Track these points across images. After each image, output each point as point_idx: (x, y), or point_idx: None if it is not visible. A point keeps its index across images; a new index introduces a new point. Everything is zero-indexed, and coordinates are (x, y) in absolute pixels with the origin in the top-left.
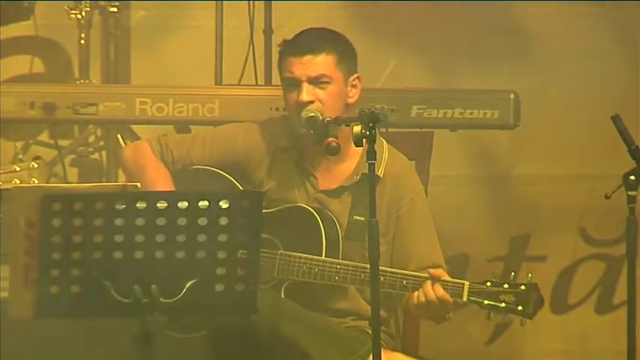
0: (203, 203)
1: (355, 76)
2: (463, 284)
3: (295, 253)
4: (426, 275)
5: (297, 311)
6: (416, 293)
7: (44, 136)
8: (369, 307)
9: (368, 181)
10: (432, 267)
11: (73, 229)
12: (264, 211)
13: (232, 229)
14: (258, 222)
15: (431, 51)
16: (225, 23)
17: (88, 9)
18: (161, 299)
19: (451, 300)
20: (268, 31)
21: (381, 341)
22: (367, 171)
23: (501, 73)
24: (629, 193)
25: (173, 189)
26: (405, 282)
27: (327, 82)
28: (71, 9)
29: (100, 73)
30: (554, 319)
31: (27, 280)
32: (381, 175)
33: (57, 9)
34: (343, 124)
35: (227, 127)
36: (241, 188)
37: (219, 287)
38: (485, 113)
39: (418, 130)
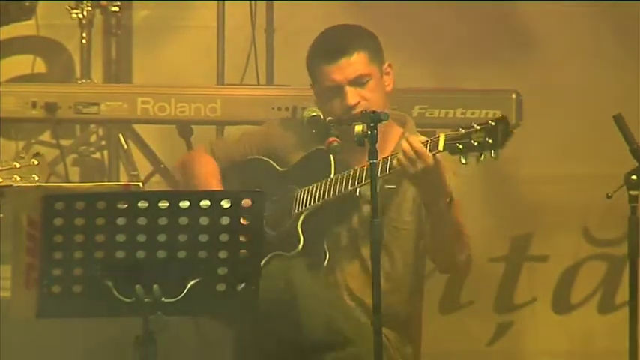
0: (205, 203)
1: (387, 64)
2: (439, 135)
3: (311, 186)
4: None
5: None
6: (396, 155)
7: (46, 136)
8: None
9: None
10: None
11: (75, 228)
12: (284, 168)
13: (234, 229)
14: (260, 221)
15: (432, 51)
16: (226, 23)
17: (90, 9)
18: (163, 299)
19: (427, 152)
20: (270, 30)
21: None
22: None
23: (503, 73)
24: (631, 192)
25: (218, 179)
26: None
27: (367, 80)
28: (73, 8)
29: (102, 72)
30: (556, 318)
31: (29, 279)
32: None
33: (59, 9)
34: (345, 124)
35: (258, 127)
36: (273, 164)
37: (220, 287)
38: (487, 113)
39: (420, 129)
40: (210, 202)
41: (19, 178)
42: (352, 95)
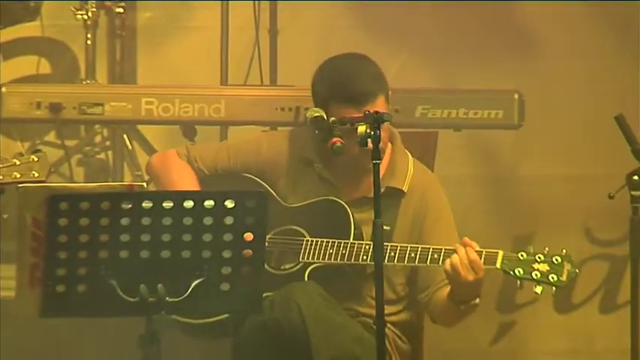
0: (209, 203)
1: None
2: (497, 253)
3: (323, 239)
4: (453, 248)
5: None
6: (449, 259)
7: (51, 137)
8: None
9: (392, 194)
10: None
11: (79, 228)
12: (294, 205)
13: (238, 229)
14: (263, 222)
15: (435, 52)
16: (230, 24)
17: (95, 10)
18: (167, 298)
19: (482, 266)
20: (273, 31)
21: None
22: (392, 184)
23: (505, 74)
24: (633, 192)
25: (198, 188)
26: (435, 255)
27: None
28: (77, 10)
29: (106, 73)
30: (558, 318)
31: (33, 279)
32: (405, 190)
33: (63, 10)
34: (348, 124)
35: (252, 138)
36: (273, 193)
37: (224, 286)
38: (489, 113)
39: (422, 130)
40: (215, 203)
41: (18, 175)
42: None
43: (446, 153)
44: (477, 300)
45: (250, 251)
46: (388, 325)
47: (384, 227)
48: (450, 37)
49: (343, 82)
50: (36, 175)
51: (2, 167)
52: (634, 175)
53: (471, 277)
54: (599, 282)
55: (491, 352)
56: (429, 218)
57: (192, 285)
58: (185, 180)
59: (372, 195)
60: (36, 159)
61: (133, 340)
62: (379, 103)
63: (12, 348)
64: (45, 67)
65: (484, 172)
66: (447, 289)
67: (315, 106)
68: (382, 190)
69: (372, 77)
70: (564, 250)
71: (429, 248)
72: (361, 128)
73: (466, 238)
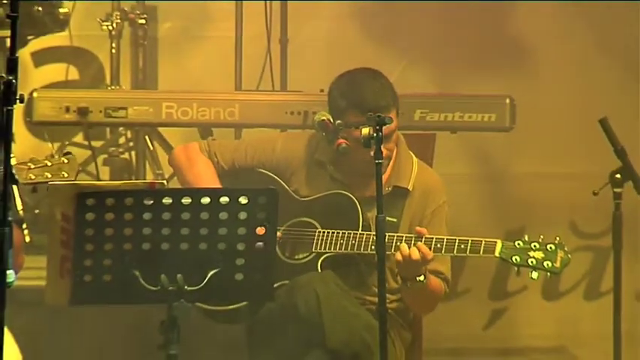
0: (224, 199)
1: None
2: (495, 242)
3: (334, 230)
4: (455, 238)
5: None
6: (402, 246)
7: (79, 138)
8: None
9: (398, 193)
10: (433, 273)
11: (105, 222)
12: (306, 198)
13: (250, 223)
14: (274, 216)
15: (432, 60)
16: (244, 34)
17: (119, 21)
18: (186, 287)
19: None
20: (284, 41)
21: (398, 328)
22: (397, 184)
23: (498, 80)
24: (615, 190)
25: (218, 183)
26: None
27: (393, 133)
28: (103, 21)
29: (130, 79)
30: (546, 305)
31: (62, 269)
32: (410, 188)
33: (90, 21)
34: (353, 127)
35: (268, 136)
36: (286, 187)
37: (238, 276)
38: (483, 117)
39: (421, 132)
40: (229, 199)
41: (49, 175)
42: (382, 150)
43: (443, 153)
44: (422, 278)
45: (262, 244)
46: (392, 313)
47: (392, 219)
48: (446, 46)
49: (361, 96)
50: (65, 175)
51: (35, 168)
52: (616, 173)
53: (415, 271)
54: (584, 272)
55: (485, 336)
56: (426, 216)
57: (209, 275)
58: (206, 174)
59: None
60: (66, 161)
61: (154, 325)
62: (391, 116)
63: (40, 334)
64: (73, 74)
65: (478, 171)
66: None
67: (331, 114)
68: (389, 188)
69: (386, 92)
70: (558, 238)
71: (432, 238)
72: (365, 130)
73: (418, 228)
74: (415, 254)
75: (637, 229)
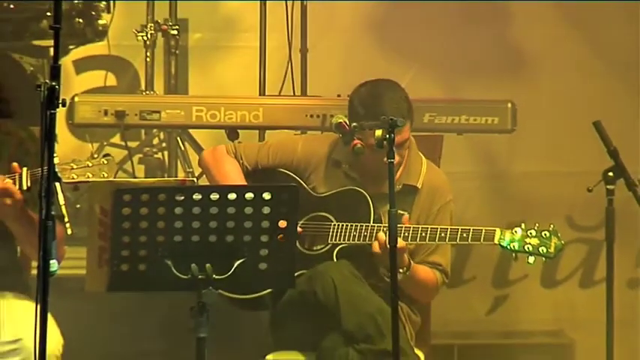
0: (249, 195)
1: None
2: (495, 230)
3: (348, 223)
4: (458, 228)
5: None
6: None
7: (116, 139)
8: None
9: (408, 190)
10: (431, 265)
11: (140, 216)
12: (322, 194)
13: (273, 217)
14: (295, 211)
15: (440, 67)
16: (267, 44)
17: (153, 32)
18: (214, 276)
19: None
20: (304, 50)
21: (408, 313)
22: (408, 182)
23: (500, 86)
24: (608, 187)
25: (244, 182)
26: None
27: (406, 142)
28: (139, 32)
29: (163, 85)
30: (544, 292)
31: (101, 259)
32: (419, 187)
33: (127, 32)
34: (367, 129)
35: (289, 139)
36: (305, 185)
37: (262, 265)
38: (486, 119)
39: (430, 133)
40: (254, 195)
41: (90, 175)
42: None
43: (450, 153)
44: (403, 269)
45: (284, 236)
46: (402, 298)
47: (403, 212)
48: (453, 55)
49: (380, 107)
50: (105, 175)
51: (77, 168)
52: (609, 172)
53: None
54: (579, 261)
55: (488, 321)
56: (432, 213)
57: (235, 264)
58: (233, 173)
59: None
60: (105, 162)
61: (185, 311)
62: (405, 130)
63: (80, 319)
64: (111, 80)
65: (482, 169)
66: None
67: (350, 120)
68: (400, 186)
69: (403, 105)
70: (552, 226)
71: (437, 228)
72: (378, 132)
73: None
74: (381, 238)
75: (628, 222)
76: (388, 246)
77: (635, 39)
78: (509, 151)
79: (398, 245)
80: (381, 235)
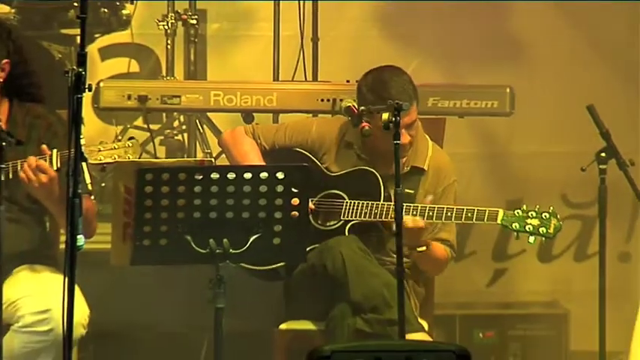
0: (263, 174)
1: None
2: (498, 211)
3: (359, 201)
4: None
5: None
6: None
7: (139, 122)
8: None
9: (415, 172)
10: (439, 240)
11: (161, 194)
12: (335, 173)
13: (286, 195)
14: (307, 189)
15: (443, 55)
16: (281, 33)
17: (173, 21)
18: (231, 250)
19: (422, 224)
20: (315, 39)
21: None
22: (415, 164)
23: (500, 72)
24: (601, 166)
25: (261, 161)
26: (449, 213)
27: (414, 123)
28: (160, 21)
29: (183, 71)
30: (541, 266)
31: (125, 235)
32: (426, 167)
33: (149, 21)
34: (375, 112)
35: (304, 121)
36: (319, 163)
37: (276, 240)
38: (486, 103)
39: (434, 116)
40: (268, 174)
41: (117, 157)
42: (405, 136)
43: (452, 135)
44: (423, 248)
45: (296, 213)
46: (408, 272)
47: (409, 191)
48: (455, 43)
49: (387, 92)
50: (130, 157)
51: (104, 150)
52: (601, 152)
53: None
54: (574, 237)
55: (488, 292)
56: (437, 193)
57: (251, 239)
58: (251, 153)
59: (401, 171)
60: (130, 144)
61: (204, 283)
62: (412, 111)
63: (105, 291)
64: (134, 67)
65: (482, 150)
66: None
67: (359, 105)
68: (408, 168)
69: (408, 88)
70: (551, 208)
71: (444, 207)
72: (385, 115)
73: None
74: (409, 221)
75: (619, 200)
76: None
77: (627, 29)
78: (508, 133)
79: (421, 225)
80: (415, 219)
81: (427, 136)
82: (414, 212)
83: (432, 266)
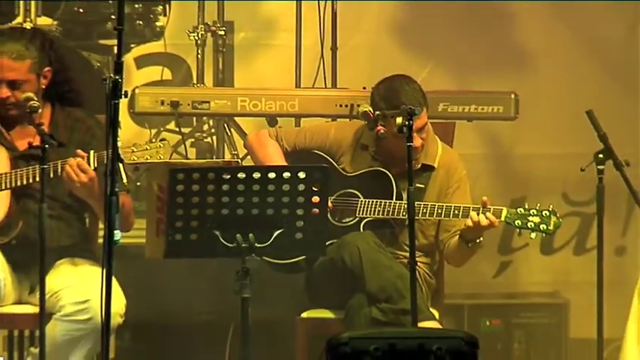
0: (286, 174)
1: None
2: (502, 209)
3: (373, 199)
4: (470, 206)
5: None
6: (478, 214)
7: (171, 125)
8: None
9: (425, 169)
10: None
11: (192, 193)
12: (351, 174)
13: (307, 194)
14: (326, 188)
15: (452, 63)
16: (302, 42)
17: (203, 32)
18: (256, 244)
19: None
20: (334, 48)
21: (425, 277)
22: (425, 162)
23: (505, 79)
24: (599, 167)
25: (284, 162)
26: (456, 211)
27: (425, 127)
28: (191, 32)
29: (212, 79)
30: (543, 258)
31: (158, 230)
32: (436, 165)
33: (181, 32)
34: (389, 117)
35: (324, 125)
36: (336, 165)
37: (298, 235)
38: (492, 108)
39: (444, 121)
40: (291, 174)
41: (149, 157)
42: (417, 140)
43: (461, 138)
44: (481, 239)
45: (317, 210)
46: (420, 265)
47: (421, 186)
48: (464, 52)
49: (398, 100)
50: (162, 157)
51: (137, 151)
52: (599, 154)
53: (484, 223)
54: (573, 232)
55: (494, 283)
56: (451, 186)
57: (275, 234)
58: (274, 154)
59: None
60: (162, 146)
61: (231, 275)
62: (423, 116)
63: (141, 282)
64: (167, 75)
65: (489, 151)
66: (457, 237)
67: (373, 111)
68: (419, 166)
69: (418, 95)
70: (551, 206)
71: (452, 206)
72: (398, 119)
73: (484, 198)
74: (484, 221)
75: (615, 198)
76: (481, 224)
77: (625, 39)
78: (512, 135)
79: (494, 223)
80: (474, 215)
81: (437, 137)
82: (424, 210)
83: (463, 257)
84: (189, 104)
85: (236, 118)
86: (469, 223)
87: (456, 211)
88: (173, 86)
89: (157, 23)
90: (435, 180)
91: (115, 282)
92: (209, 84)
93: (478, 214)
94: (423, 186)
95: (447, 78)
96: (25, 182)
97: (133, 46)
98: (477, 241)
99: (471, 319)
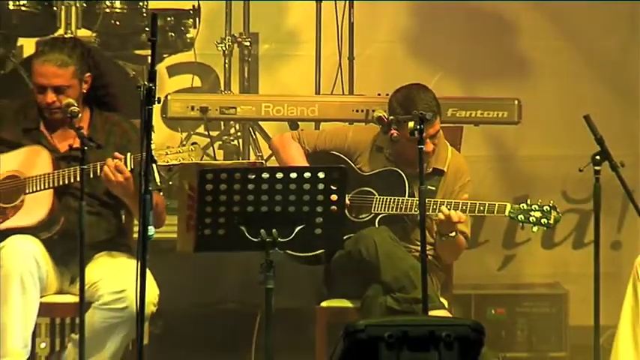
0: (307, 174)
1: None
2: (506, 205)
3: (388, 197)
4: (476, 202)
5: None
6: (443, 209)
7: (200, 129)
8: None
9: (436, 173)
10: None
11: (220, 191)
12: (367, 173)
13: (326, 192)
14: (344, 187)
15: (461, 72)
16: (322, 53)
17: (230, 43)
18: (279, 239)
19: (460, 219)
20: (351, 58)
21: (435, 269)
22: (436, 166)
23: (509, 86)
24: (595, 168)
25: (305, 162)
26: (464, 207)
27: (437, 133)
28: (219, 43)
29: (238, 86)
30: (544, 252)
31: (189, 226)
32: (445, 169)
33: (209, 43)
34: (402, 121)
35: (342, 128)
36: (353, 165)
37: (317, 231)
38: (497, 114)
39: (452, 125)
40: (311, 174)
41: (181, 159)
42: (429, 145)
43: (469, 141)
44: (453, 234)
45: (335, 207)
46: (430, 258)
47: (431, 187)
48: (471, 62)
49: (414, 107)
50: (193, 159)
51: (170, 154)
52: (596, 155)
53: (452, 229)
54: (572, 227)
55: (498, 275)
56: (455, 190)
57: (296, 230)
58: (297, 155)
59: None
60: (193, 149)
61: (256, 267)
62: (436, 122)
63: (173, 273)
64: (197, 82)
65: (494, 153)
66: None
67: (389, 116)
68: (430, 169)
69: (433, 104)
70: (552, 202)
71: (460, 202)
72: (411, 124)
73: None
74: (454, 216)
75: (611, 197)
76: (451, 218)
77: (622, 48)
78: (516, 139)
79: (461, 218)
80: (445, 210)
81: (447, 142)
82: (434, 206)
83: (451, 252)
84: (217, 110)
85: (260, 123)
86: (441, 216)
87: (464, 207)
88: (202, 93)
89: (188, 35)
90: (443, 182)
91: (148, 274)
92: (235, 91)
93: (449, 209)
94: (434, 188)
95: (455, 85)
96: (66, 182)
97: (165, 56)
98: (451, 234)
99: (478, 308)
